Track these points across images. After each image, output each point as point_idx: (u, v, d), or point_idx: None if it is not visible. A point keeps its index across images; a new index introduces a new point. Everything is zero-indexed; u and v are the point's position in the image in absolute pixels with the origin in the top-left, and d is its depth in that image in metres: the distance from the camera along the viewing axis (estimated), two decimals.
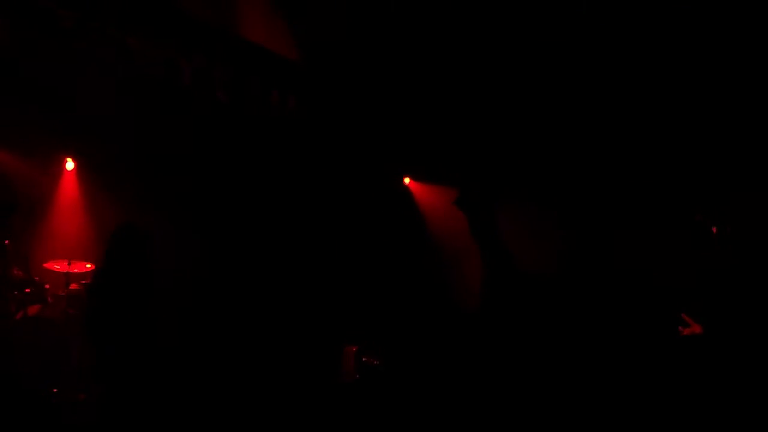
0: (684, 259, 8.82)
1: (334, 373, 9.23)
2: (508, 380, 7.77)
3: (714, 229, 8.46)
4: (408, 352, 9.50)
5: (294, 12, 10.56)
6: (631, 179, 9.78)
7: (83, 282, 9.53)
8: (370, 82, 10.83)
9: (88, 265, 9.71)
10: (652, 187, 9.61)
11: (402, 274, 11.39)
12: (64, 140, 10.47)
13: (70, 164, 10.71)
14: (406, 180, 12.15)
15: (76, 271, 9.62)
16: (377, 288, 11.08)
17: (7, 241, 9.00)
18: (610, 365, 8.11)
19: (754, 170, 8.98)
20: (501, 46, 10.06)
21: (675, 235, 8.92)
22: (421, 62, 10.44)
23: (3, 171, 10.09)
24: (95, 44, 9.53)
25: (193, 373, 8.53)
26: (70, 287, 9.47)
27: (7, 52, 9.30)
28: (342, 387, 9.06)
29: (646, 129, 9.70)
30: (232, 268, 10.59)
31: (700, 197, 9.01)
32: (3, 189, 9.91)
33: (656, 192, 9.53)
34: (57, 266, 9.63)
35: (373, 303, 10.79)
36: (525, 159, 10.57)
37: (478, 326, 8.92)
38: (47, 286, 9.40)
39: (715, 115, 9.28)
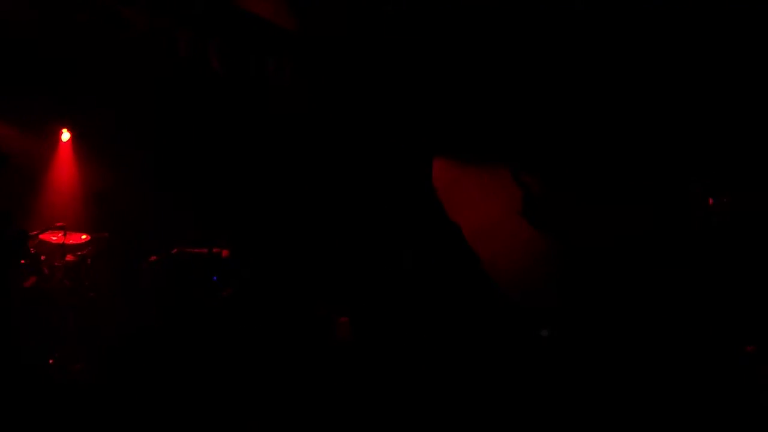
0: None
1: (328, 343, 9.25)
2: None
3: (710, 201, 8.47)
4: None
5: None
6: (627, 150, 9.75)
7: (79, 253, 9.54)
8: (367, 49, 10.73)
9: (84, 237, 9.71)
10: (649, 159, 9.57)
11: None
12: (60, 111, 10.45)
13: (65, 135, 10.70)
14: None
15: (71, 242, 9.63)
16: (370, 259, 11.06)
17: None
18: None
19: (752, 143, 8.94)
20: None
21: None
22: (416, 28, 10.34)
23: None
24: (91, 15, 9.47)
25: (191, 344, 8.57)
26: (66, 258, 9.47)
27: (4, 24, 9.27)
28: (337, 353, 9.08)
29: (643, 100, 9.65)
30: (229, 239, 10.59)
31: (696, 168, 8.99)
32: None
33: (652, 164, 9.49)
34: (53, 237, 9.63)
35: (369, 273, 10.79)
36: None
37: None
38: (43, 258, 9.39)
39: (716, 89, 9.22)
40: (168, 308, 9.24)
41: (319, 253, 10.76)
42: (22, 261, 9.10)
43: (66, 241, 9.56)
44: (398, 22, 10.32)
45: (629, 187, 9.53)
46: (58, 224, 9.63)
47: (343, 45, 10.73)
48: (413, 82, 10.71)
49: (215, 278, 9.66)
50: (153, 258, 9.76)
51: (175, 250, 9.68)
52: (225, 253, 9.91)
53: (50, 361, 8.37)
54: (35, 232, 9.36)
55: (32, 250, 9.28)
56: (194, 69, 10.28)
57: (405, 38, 10.40)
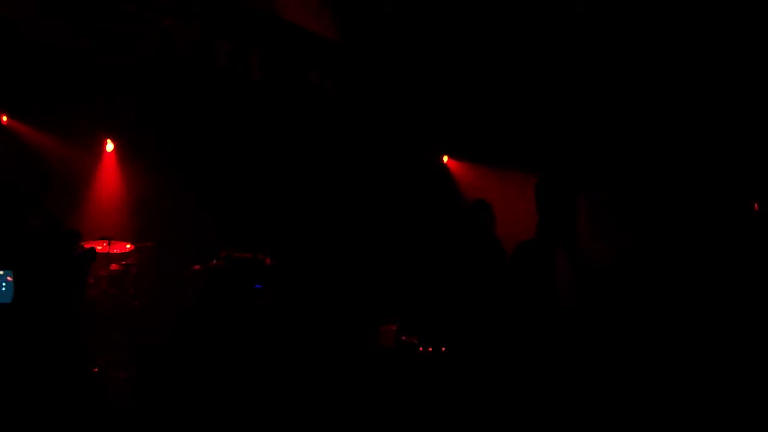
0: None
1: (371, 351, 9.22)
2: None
3: (756, 206, 8.33)
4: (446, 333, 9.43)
5: None
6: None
7: (123, 262, 9.61)
8: (408, 60, 10.72)
9: (128, 246, 9.78)
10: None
11: (440, 254, 11.31)
12: (104, 122, 10.55)
13: (110, 146, 10.80)
14: (445, 158, 12.05)
15: (116, 251, 9.70)
16: (414, 267, 11.02)
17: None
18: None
19: None
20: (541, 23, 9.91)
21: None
22: (460, 39, 10.31)
23: (41, 152, 10.22)
24: (134, 27, 9.56)
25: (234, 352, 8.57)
26: (111, 267, 9.55)
27: (49, 38, 9.39)
28: (379, 360, 9.04)
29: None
30: (271, 247, 10.62)
31: (737, 174, 8.86)
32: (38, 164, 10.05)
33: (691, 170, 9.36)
34: (98, 247, 9.70)
35: (411, 282, 10.75)
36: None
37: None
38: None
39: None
40: (211, 316, 9.26)
41: (363, 260, 10.76)
42: (91, 280, 9.20)
43: (111, 251, 9.63)
44: (435, 32, 10.31)
45: (670, 195, 9.41)
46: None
47: (383, 55, 10.73)
48: (454, 90, 10.70)
49: (258, 286, 9.68)
50: (196, 267, 9.81)
51: (224, 253, 9.71)
52: (268, 260, 9.93)
53: (95, 370, 8.42)
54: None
55: None
56: (234, 80, 10.33)
57: (444, 48, 10.38)
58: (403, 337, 9.43)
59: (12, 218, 8.90)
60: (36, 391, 7.31)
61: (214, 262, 9.77)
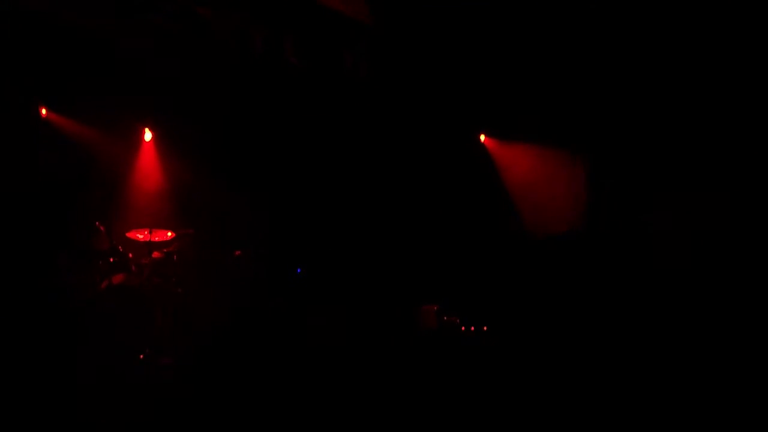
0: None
1: (413, 331, 9.22)
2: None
3: None
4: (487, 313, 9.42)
5: None
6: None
7: (165, 250, 9.66)
8: (441, 39, 10.66)
9: (169, 234, 9.84)
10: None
11: (478, 233, 11.29)
12: (142, 112, 10.61)
13: (148, 135, 10.86)
14: (482, 137, 11.98)
15: (157, 239, 9.76)
16: (454, 247, 11.01)
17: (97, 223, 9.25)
18: None
19: None
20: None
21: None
22: (498, 16, 10.23)
23: (81, 143, 10.31)
24: (168, 16, 9.59)
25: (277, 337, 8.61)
26: (153, 255, 9.61)
27: (85, 31, 9.45)
28: (422, 340, 9.04)
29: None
30: (308, 231, 10.64)
31: None
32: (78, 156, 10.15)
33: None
34: (139, 235, 9.78)
35: (451, 262, 10.73)
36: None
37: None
38: (130, 255, 9.54)
39: None
40: (255, 301, 9.31)
41: (402, 242, 10.76)
42: (111, 259, 9.29)
43: (152, 239, 9.69)
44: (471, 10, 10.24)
45: (705, 178, 9.27)
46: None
47: (417, 36, 10.68)
48: (491, 67, 10.63)
49: (299, 270, 9.71)
50: (237, 252, 9.85)
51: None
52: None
53: (140, 357, 8.50)
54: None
55: (120, 248, 9.46)
56: (271, 65, 10.34)
57: (481, 26, 10.31)
58: (445, 317, 9.42)
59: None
60: (81, 377, 7.41)
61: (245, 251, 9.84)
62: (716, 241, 8.99)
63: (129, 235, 9.78)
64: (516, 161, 11.72)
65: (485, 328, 8.94)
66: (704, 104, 9.45)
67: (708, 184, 9.40)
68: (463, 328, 9.18)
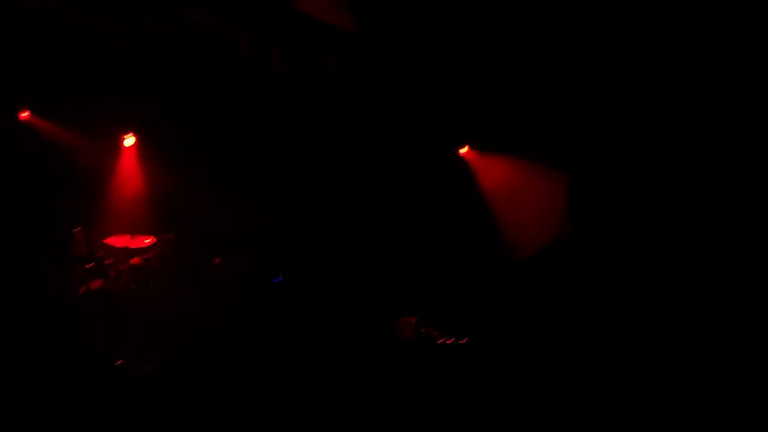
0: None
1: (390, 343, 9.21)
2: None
3: None
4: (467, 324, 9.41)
5: None
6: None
7: (144, 256, 9.63)
8: (424, 48, 10.69)
9: (149, 240, 9.81)
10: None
11: (459, 245, 11.32)
12: (124, 117, 10.56)
13: (129, 140, 10.81)
14: (465, 148, 12.01)
15: (137, 245, 9.73)
16: (433, 259, 11.02)
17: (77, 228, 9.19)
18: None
19: None
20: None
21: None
22: (478, 27, 10.27)
23: (62, 147, 10.26)
24: (154, 18, 9.59)
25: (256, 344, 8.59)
26: (132, 261, 9.57)
27: (67, 34, 9.42)
28: (397, 351, 9.03)
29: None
30: (291, 240, 10.64)
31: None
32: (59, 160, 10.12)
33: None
34: (119, 241, 9.74)
35: (430, 273, 10.74)
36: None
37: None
38: (109, 261, 9.50)
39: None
40: (233, 308, 9.29)
41: (380, 253, 10.76)
42: (89, 265, 9.24)
43: (131, 245, 9.66)
44: (454, 20, 10.28)
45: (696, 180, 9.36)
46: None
47: (401, 44, 10.71)
48: (474, 78, 10.66)
49: (279, 278, 9.70)
50: (217, 260, 9.84)
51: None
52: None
53: (118, 363, 8.46)
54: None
55: (99, 254, 9.41)
56: (255, 71, 10.34)
57: (464, 36, 10.34)
58: (423, 329, 9.41)
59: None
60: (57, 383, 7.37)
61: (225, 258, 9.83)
62: (695, 238, 9.11)
63: (109, 240, 9.73)
64: (497, 173, 11.76)
65: (464, 341, 8.93)
66: (675, 109, 9.60)
67: (683, 184, 9.55)
68: (440, 340, 9.16)
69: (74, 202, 9.99)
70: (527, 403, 7.21)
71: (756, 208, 9.07)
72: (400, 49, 10.67)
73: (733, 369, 7.23)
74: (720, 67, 9.21)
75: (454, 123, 11.42)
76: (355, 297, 9.96)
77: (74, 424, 6.70)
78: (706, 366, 7.33)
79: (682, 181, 9.68)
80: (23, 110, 10.05)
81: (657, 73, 9.57)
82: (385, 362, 8.53)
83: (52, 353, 7.89)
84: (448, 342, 9.08)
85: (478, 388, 7.67)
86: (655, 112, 9.84)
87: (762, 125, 9.14)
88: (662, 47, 9.38)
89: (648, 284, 8.74)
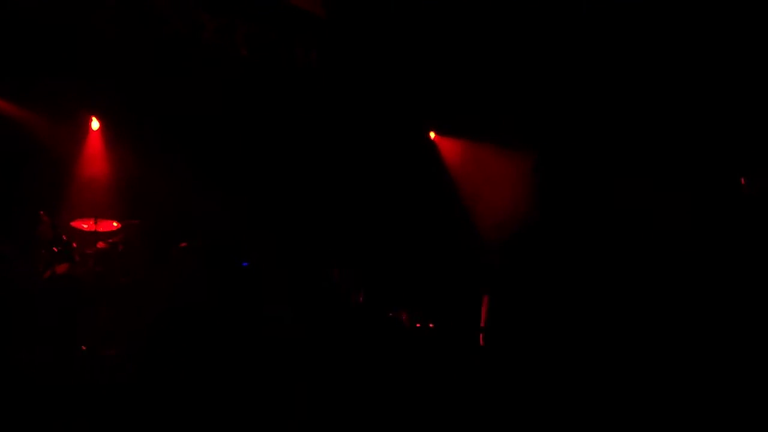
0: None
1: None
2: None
3: (742, 180, 8.29)
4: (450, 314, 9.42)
5: None
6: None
7: (110, 240, 9.58)
8: (393, 33, 10.68)
9: (115, 224, 9.76)
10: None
11: (430, 234, 11.34)
12: (89, 99, 10.49)
13: (95, 124, 10.74)
14: (432, 134, 12.03)
15: (102, 229, 9.68)
16: (403, 243, 11.03)
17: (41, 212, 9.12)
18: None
19: None
20: None
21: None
22: (446, 11, 10.27)
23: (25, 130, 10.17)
24: (119, 2, 9.52)
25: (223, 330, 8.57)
26: (98, 245, 9.51)
27: (32, 15, 9.32)
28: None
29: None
30: (258, 228, 10.60)
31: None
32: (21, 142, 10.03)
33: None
34: (84, 225, 9.69)
35: (402, 266, 10.75)
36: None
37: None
38: (74, 245, 9.42)
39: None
40: (199, 293, 9.24)
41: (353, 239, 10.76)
42: (55, 249, 9.16)
43: (97, 229, 9.61)
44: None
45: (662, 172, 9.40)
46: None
47: (371, 29, 10.69)
48: (441, 61, 10.67)
49: (245, 264, 9.67)
50: (183, 244, 9.78)
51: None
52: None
53: (82, 348, 8.41)
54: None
55: (64, 238, 9.34)
56: (221, 56, 10.28)
57: (432, 19, 10.34)
58: (390, 314, 9.42)
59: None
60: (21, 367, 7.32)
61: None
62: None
63: (74, 224, 9.68)
64: (464, 158, 11.79)
65: (431, 325, 8.97)
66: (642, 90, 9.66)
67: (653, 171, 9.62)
68: (408, 324, 9.18)
69: (39, 185, 9.90)
70: (494, 388, 7.26)
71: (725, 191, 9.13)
72: (367, 33, 10.66)
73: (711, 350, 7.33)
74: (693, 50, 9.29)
75: (422, 108, 11.42)
76: (320, 283, 9.94)
77: (35, 410, 6.66)
78: (681, 350, 7.42)
79: (652, 164, 9.72)
80: None
81: (621, 55, 9.63)
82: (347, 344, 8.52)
83: (15, 337, 7.84)
84: (416, 326, 9.11)
85: (446, 375, 7.71)
86: (622, 95, 9.88)
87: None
88: (624, 27, 9.46)
89: (617, 267, 8.82)
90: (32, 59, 9.70)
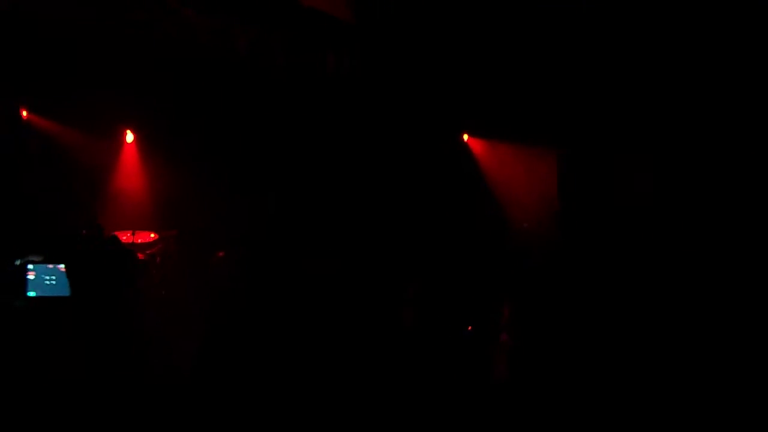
0: None
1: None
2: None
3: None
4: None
5: None
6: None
7: (148, 251, 9.63)
8: (425, 37, 10.67)
9: (152, 235, 9.81)
10: None
11: (463, 233, 11.30)
12: (124, 113, 10.57)
13: (129, 136, 10.82)
14: (465, 136, 12.02)
15: (140, 241, 9.72)
16: (437, 246, 11.00)
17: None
18: None
19: None
20: None
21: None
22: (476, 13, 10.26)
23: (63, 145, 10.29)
24: (154, 17, 9.60)
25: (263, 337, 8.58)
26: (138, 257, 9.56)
27: (67, 29, 9.42)
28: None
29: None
30: (292, 232, 10.62)
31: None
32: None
33: None
34: (123, 237, 9.73)
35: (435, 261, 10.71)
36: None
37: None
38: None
39: None
40: (238, 302, 9.27)
41: (383, 242, 10.73)
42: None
43: (135, 240, 9.66)
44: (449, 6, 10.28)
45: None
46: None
47: (398, 32, 10.70)
48: (472, 65, 10.67)
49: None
50: (221, 253, 9.81)
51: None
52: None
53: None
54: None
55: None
56: (255, 68, 10.33)
57: (461, 23, 10.34)
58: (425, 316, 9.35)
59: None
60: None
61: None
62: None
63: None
64: (496, 158, 11.83)
65: (470, 328, 8.91)
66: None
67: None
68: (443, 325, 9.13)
69: (78, 199, 10.00)
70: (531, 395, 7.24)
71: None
72: (399, 39, 10.66)
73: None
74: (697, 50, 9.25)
75: (453, 111, 11.41)
76: (363, 284, 9.94)
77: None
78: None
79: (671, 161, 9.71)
80: (22, 108, 10.08)
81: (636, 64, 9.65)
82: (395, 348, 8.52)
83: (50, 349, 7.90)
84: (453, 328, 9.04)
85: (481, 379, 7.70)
86: (636, 98, 9.89)
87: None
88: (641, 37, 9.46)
89: (633, 259, 8.80)
90: (68, 74, 9.80)
